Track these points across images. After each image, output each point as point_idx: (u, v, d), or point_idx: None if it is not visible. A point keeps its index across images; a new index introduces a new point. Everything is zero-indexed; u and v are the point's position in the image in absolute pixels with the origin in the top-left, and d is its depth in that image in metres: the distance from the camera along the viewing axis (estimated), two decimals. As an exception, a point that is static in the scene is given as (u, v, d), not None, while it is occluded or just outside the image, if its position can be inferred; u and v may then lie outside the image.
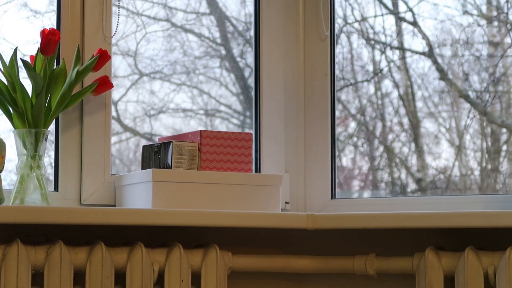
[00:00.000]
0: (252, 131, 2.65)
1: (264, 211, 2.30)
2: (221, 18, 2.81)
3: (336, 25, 2.77)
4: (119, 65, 2.62)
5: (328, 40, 2.67)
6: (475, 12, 2.74)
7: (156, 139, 2.47)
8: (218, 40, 2.81)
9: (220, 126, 2.78)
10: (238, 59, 2.82)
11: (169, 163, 2.28)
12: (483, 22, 2.73)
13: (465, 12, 2.73)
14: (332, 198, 2.61)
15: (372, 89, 2.84)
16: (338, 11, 2.81)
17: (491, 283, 2.15)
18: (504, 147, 2.72)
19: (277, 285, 2.51)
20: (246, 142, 2.36)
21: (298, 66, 2.68)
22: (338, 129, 2.77)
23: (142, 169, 2.35)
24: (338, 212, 2.47)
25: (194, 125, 2.75)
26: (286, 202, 2.59)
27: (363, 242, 2.42)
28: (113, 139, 2.61)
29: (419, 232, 2.32)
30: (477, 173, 2.70)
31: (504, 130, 2.70)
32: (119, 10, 2.45)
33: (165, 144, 2.30)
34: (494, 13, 2.72)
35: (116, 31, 2.45)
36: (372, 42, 2.85)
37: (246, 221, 2.23)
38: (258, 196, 2.32)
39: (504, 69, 2.70)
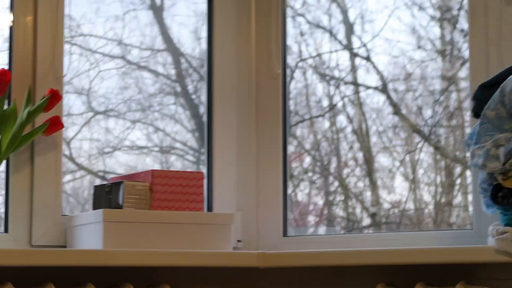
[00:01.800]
0: (203, 169, 2.66)
1: (215, 250, 2.30)
2: (176, 55, 2.82)
3: (291, 60, 2.79)
4: (73, 103, 2.62)
5: (281, 77, 2.69)
6: (428, 46, 2.76)
7: (111, 177, 2.47)
8: (173, 77, 2.82)
9: (176, 163, 2.79)
10: (193, 96, 2.83)
11: (120, 203, 2.28)
12: (436, 56, 2.75)
13: (419, 47, 2.76)
14: (284, 235, 2.62)
15: (327, 124, 2.86)
16: (293, 47, 2.83)
17: (441, 319, 2.16)
18: (458, 181, 2.74)
19: (230, 323, 2.51)
20: (198, 181, 2.37)
21: (250, 104, 2.70)
22: (293, 165, 2.79)
23: (93, 209, 2.34)
24: (290, 250, 2.48)
25: (149, 162, 2.75)
26: (238, 241, 2.59)
27: (315, 279, 2.43)
28: (67, 177, 2.61)
29: (370, 269, 2.33)
30: (431, 207, 2.72)
31: (457, 164, 2.72)
32: (71, 49, 2.45)
33: (116, 184, 2.30)
34: (448, 48, 2.75)
35: (68, 71, 2.45)
36: (327, 77, 2.87)
37: (197, 261, 2.23)
38: (210, 235, 2.32)
39: (457, 103, 2.72)
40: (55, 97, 2.33)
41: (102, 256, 2.14)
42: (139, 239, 2.24)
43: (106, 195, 2.32)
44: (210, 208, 2.61)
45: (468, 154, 2.18)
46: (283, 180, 2.65)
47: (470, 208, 2.63)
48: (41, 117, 2.35)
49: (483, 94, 2.19)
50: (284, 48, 2.73)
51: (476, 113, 2.20)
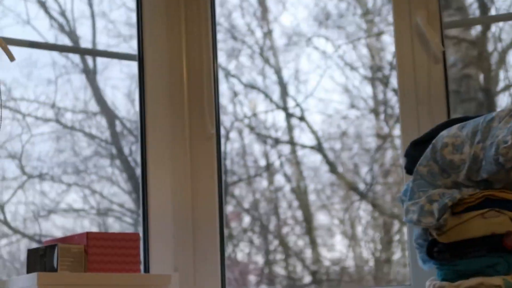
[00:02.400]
0: (141, 230, 2.64)
1: (153, 312, 2.27)
2: (111, 117, 2.80)
3: (227, 121, 2.79)
4: (8, 167, 2.59)
5: (215, 137, 2.69)
6: (362, 105, 2.79)
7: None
8: (109, 139, 2.81)
9: (114, 225, 2.75)
10: (129, 158, 2.81)
11: (55, 266, 2.23)
12: (369, 114, 2.78)
13: (353, 106, 2.78)
14: (222, 296, 2.61)
15: (265, 183, 2.86)
16: (228, 107, 2.84)
17: None
18: (396, 237, 2.75)
19: None
20: (134, 243, 2.33)
21: (185, 164, 2.69)
22: (232, 224, 2.77)
23: (27, 273, 2.29)
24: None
25: (86, 224, 2.71)
26: (176, 301, 2.57)
27: None
28: (3, 241, 2.56)
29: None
30: (371, 263, 2.72)
31: (395, 220, 2.73)
32: (2, 113, 2.43)
33: (50, 247, 2.26)
34: (381, 106, 2.78)
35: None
36: (263, 137, 2.88)
37: (134, 323, 2.20)
38: (147, 296, 2.29)
39: (393, 160, 2.74)
40: (-13, 160, 2.31)
41: (35, 322, 2.09)
42: (75, 302, 2.19)
43: (41, 258, 2.27)
44: (147, 269, 2.57)
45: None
46: (220, 240, 2.63)
47: (409, 264, 2.63)
48: (-27, 181, 2.32)
49: (415, 151, 2.21)
50: (218, 108, 2.74)
51: (409, 169, 2.22)
